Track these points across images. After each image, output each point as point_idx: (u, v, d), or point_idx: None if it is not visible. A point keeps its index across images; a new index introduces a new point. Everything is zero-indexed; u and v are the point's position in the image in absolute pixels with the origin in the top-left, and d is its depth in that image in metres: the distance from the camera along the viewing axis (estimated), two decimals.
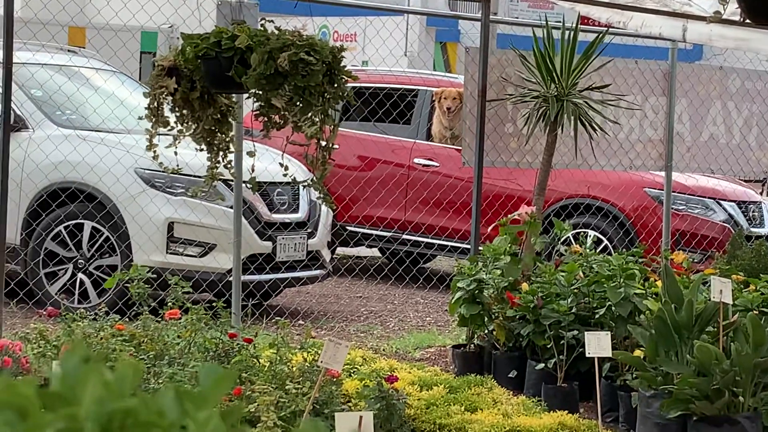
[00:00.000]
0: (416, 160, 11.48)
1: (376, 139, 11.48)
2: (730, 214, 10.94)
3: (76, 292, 9.05)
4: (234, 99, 6.68)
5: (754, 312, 6.62)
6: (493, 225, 8.32)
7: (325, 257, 9.90)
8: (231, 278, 7.94)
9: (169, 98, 6.36)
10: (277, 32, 6.18)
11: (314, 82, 6.13)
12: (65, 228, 9.08)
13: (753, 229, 10.90)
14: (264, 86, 6.16)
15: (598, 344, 6.24)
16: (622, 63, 9.26)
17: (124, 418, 1.14)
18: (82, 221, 9.06)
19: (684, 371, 6.18)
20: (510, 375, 7.30)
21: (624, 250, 8.70)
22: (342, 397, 6.07)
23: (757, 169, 10.21)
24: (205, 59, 6.21)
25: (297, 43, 6.14)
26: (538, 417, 6.29)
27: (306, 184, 6.64)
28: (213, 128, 6.46)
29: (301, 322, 9.25)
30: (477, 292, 7.45)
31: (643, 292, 7.06)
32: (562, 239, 9.26)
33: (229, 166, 6.71)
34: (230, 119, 6.52)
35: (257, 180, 7.87)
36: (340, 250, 11.98)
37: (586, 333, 6.47)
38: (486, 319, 7.50)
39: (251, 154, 6.59)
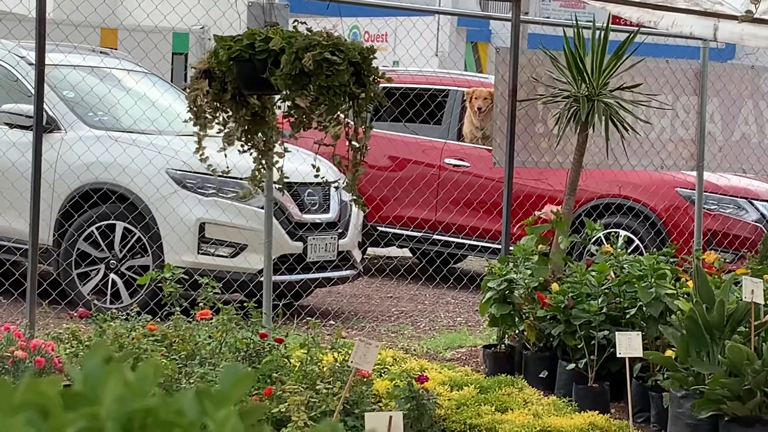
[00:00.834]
0: (447, 161, 11.48)
1: (407, 140, 11.49)
2: (762, 214, 10.88)
3: (108, 292, 9.10)
4: (272, 100, 6.69)
5: None
6: (519, 224, 8.31)
7: (356, 257, 9.91)
8: (262, 278, 7.96)
9: (205, 100, 6.39)
10: (307, 32, 6.20)
11: (339, 81, 6.14)
12: (97, 229, 9.13)
13: None
14: (290, 86, 6.18)
15: (629, 344, 6.22)
16: (653, 62, 9.22)
17: (144, 418, 1.15)
18: (114, 222, 9.11)
19: (715, 371, 6.16)
20: (541, 375, 7.29)
21: (655, 250, 8.66)
22: (372, 397, 6.08)
23: None
24: (238, 61, 6.23)
25: (322, 43, 6.15)
26: (569, 417, 6.28)
27: (338, 185, 6.66)
28: (250, 129, 6.48)
29: (331, 322, 9.26)
30: (508, 292, 7.45)
31: (675, 292, 7.03)
32: (593, 239, 9.23)
33: (268, 167, 6.73)
34: (267, 120, 6.54)
35: (288, 181, 7.90)
36: (371, 251, 11.99)
37: (617, 333, 6.45)
38: (517, 319, 7.49)
39: (281, 155, 6.60)
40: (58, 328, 6.80)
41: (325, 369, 6.01)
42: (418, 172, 11.36)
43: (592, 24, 8.13)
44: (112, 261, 9.12)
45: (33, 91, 7.20)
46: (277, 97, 6.70)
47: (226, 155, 6.46)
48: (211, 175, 7.40)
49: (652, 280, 7.05)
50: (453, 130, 11.65)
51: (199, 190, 9.08)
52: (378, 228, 11.44)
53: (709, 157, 9.62)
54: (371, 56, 6.40)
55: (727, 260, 9.84)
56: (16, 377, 5.94)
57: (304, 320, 8.41)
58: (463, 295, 10.76)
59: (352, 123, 6.41)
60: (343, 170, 6.75)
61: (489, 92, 10.90)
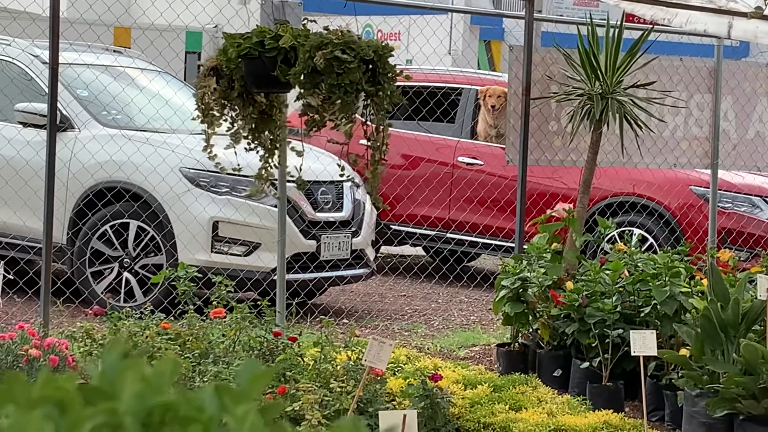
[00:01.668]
0: (460, 159, 11.46)
1: (421, 138, 11.48)
2: None
3: (122, 291, 9.11)
4: (280, 98, 6.69)
5: None
6: (532, 222, 8.30)
7: (369, 256, 9.91)
8: (275, 277, 7.96)
9: (213, 97, 6.39)
10: (324, 31, 6.19)
11: (350, 79, 6.12)
12: (111, 227, 9.14)
13: None
14: (303, 85, 6.18)
15: (643, 343, 6.21)
16: (667, 60, 9.20)
17: (163, 413, 1.14)
18: (127, 220, 9.11)
19: (730, 370, 6.14)
20: (555, 374, 7.27)
21: (669, 248, 8.64)
22: (386, 396, 6.07)
23: None
24: (247, 59, 6.23)
25: (334, 42, 6.14)
26: (583, 416, 6.27)
27: (356, 183, 6.64)
28: (258, 127, 6.48)
29: (345, 320, 9.26)
30: (521, 290, 7.43)
31: (689, 290, 7.02)
32: (607, 237, 9.21)
33: (277, 165, 6.73)
34: (275, 118, 6.53)
35: (305, 179, 7.89)
36: (384, 249, 11.98)
37: (631, 332, 6.44)
38: (530, 317, 7.48)
39: (299, 153, 6.59)
40: (72, 327, 6.80)
41: (338, 367, 6.01)
42: (432, 170, 11.35)
43: (606, 22, 8.11)
44: (125, 259, 9.13)
45: (47, 89, 7.20)
46: (288, 95, 6.70)
47: (236, 153, 6.45)
48: (225, 173, 7.40)
49: (667, 278, 7.03)
50: (466, 129, 11.63)
51: (213, 189, 9.08)
52: (391, 226, 11.44)
53: (723, 155, 9.59)
54: (387, 54, 6.38)
55: (742, 258, 9.81)
56: (31, 375, 5.94)
57: (318, 319, 8.41)
58: (476, 293, 10.74)
59: (369, 121, 6.39)
60: (360, 169, 6.74)
61: (503, 90, 10.88)
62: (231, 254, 9.04)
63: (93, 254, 9.16)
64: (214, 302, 6.74)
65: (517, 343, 7.69)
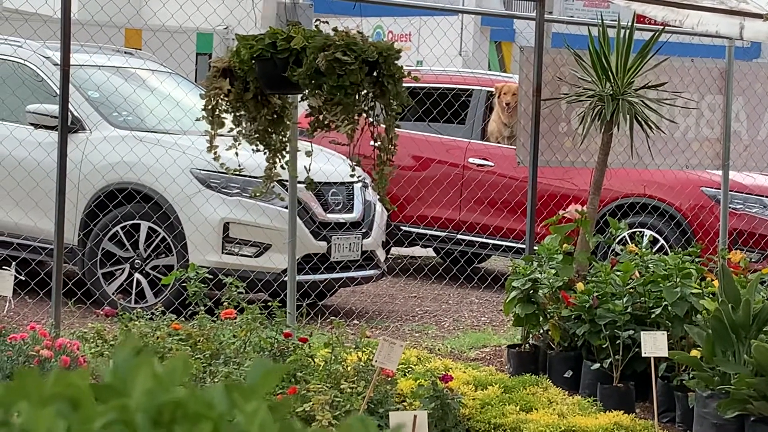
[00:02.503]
0: (471, 160, 11.46)
1: (431, 139, 11.47)
2: None
3: (133, 292, 9.12)
4: (289, 100, 6.70)
5: None
6: (543, 224, 8.29)
7: (380, 257, 9.91)
8: (286, 278, 7.97)
9: (225, 99, 6.39)
10: (333, 33, 6.20)
11: (350, 81, 6.12)
12: (122, 228, 9.15)
13: None
14: (308, 86, 6.19)
15: (654, 344, 6.20)
16: (678, 61, 9.19)
17: (173, 410, 1.15)
18: (138, 221, 9.13)
19: (741, 371, 6.13)
20: (565, 375, 7.27)
21: (680, 249, 8.63)
22: (396, 397, 6.07)
23: None
24: (259, 60, 6.24)
25: (336, 43, 6.15)
26: (594, 417, 6.26)
27: (366, 184, 6.64)
28: (268, 129, 6.49)
29: (355, 321, 9.26)
30: (532, 291, 7.43)
31: (700, 291, 7.01)
32: (618, 239, 9.20)
33: (286, 166, 6.73)
34: (285, 120, 6.54)
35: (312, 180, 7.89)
36: (395, 250, 11.98)
37: (642, 333, 6.43)
38: (541, 318, 7.48)
39: (309, 153, 6.60)
40: (83, 328, 6.82)
41: (349, 368, 6.01)
42: (442, 171, 11.35)
43: (617, 23, 8.10)
44: (136, 260, 9.14)
45: (58, 91, 7.22)
46: (296, 97, 6.71)
47: (237, 154, 6.45)
48: (235, 174, 7.41)
49: (678, 279, 7.02)
50: (477, 130, 11.63)
51: (224, 190, 9.10)
52: (402, 227, 11.44)
53: (735, 156, 9.58)
54: (393, 55, 6.37)
55: (753, 260, 9.80)
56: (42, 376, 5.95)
57: (328, 320, 8.41)
58: (487, 294, 10.74)
59: (376, 122, 6.39)
60: (367, 170, 6.74)
61: (518, 88, 10.85)
62: (242, 255, 9.05)
63: (104, 255, 9.18)
64: (225, 303, 6.75)
65: (527, 344, 7.69)
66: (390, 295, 10.76)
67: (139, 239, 9.14)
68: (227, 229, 9.03)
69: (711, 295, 6.94)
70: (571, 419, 6.16)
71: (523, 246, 8.87)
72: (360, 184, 9.71)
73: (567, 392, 6.81)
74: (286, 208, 8.08)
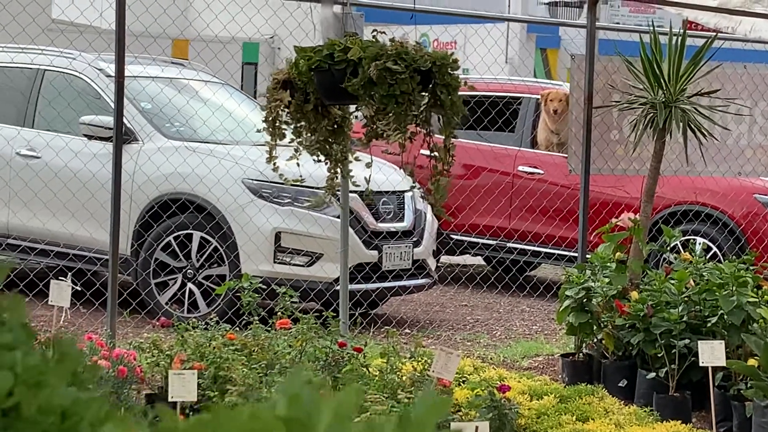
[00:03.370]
0: (521, 168, 11.44)
1: (481, 148, 11.47)
2: None
3: (186, 301, 9.17)
4: (348, 110, 6.72)
5: None
6: (596, 232, 8.26)
7: (431, 266, 9.91)
8: (338, 287, 7.99)
9: (285, 111, 6.43)
10: (388, 43, 6.22)
11: (400, 90, 6.14)
12: (175, 238, 9.21)
13: None
14: (363, 96, 6.21)
15: (712, 353, 6.17)
16: (730, 68, 9.14)
17: None
18: (191, 232, 9.18)
19: None
20: (620, 384, 7.23)
21: (734, 257, 8.57)
22: (452, 407, 6.07)
23: None
24: (318, 71, 6.26)
25: (387, 53, 6.17)
26: (651, 427, 6.23)
27: (413, 193, 6.64)
28: (329, 139, 6.52)
29: (407, 330, 9.27)
30: (585, 300, 7.41)
31: (757, 300, 6.96)
32: (671, 247, 9.15)
33: (347, 176, 6.76)
34: (345, 130, 6.57)
35: (362, 190, 7.91)
36: (445, 259, 11.98)
37: (699, 342, 6.39)
38: (595, 327, 7.45)
39: (369, 165, 6.62)
40: (138, 338, 6.86)
41: (404, 378, 6.02)
42: (493, 180, 11.34)
43: (668, 30, 8.06)
44: (189, 270, 9.19)
45: (112, 103, 7.28)
46: (352, 107, 6.73)
47: (298, 164, 6.49)
48: (287, 184, 7.44)
49: (734, 288, 6.97)
50: (526, 138, 11.61)
51: (275, 200, 9.13)
52: (453, 236, 11.43)
53: None
54: (448, 64, 6.38)
55: None
56: (100, 386, 6.00)
57: (381, 329, 8.42)
58: (538, 303, 10.71)
59: (429, 132, 6.40)
60: (423, 180, 6.74)
61: (564, 94, 10.83)
62: (293, 265, 9.08)
63: (157, 265, 9.23)
64: (279, 313, 6.77)
65: (581, 353, 7.66)
66: (441, 304, 10.76)
67: (191, 249, 9.20)
68: (279, 238, 9.07)
69: (767, 304, 6.90)
70: (628, 429, 6.13)
71: (574, 254, 8.85)
72: (411, 193, 9.72)
73: (622, 402, 6.78)
74: (338, 217, 8.10)
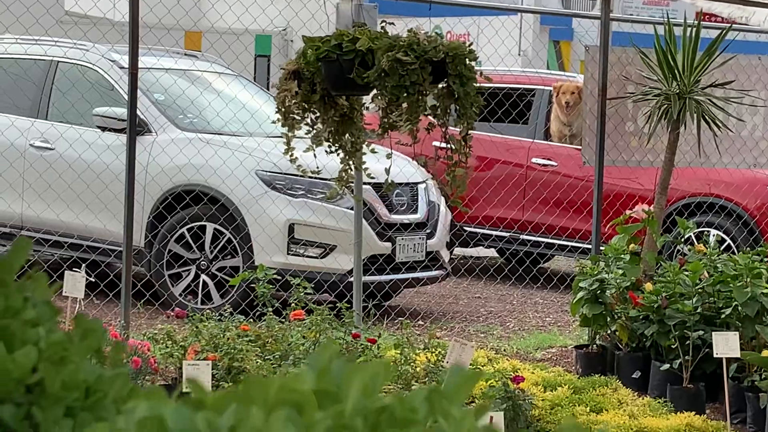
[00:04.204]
0: (534, 160, 11.43)
1: (494, 140, 11.45)
2: None
3: (200, 293, 9.19)
4: (359, 101, 6.71)
5: None
6: (610, 224, 8.25)
7: (444, 258, 9.91)
8: (351, 279, 7.99)
9: (293, 101, 6.43)
10: (405, 34, 6.22)
11: (411, 81, 6.13)
12: (189, 230, 9.22)
13: None
14: (376, 87, 6.21)
15: (726, 344, 6.16)
16: (745, 59, 9.11)
17: (379, 415, 1.18)
18: (204, 223, 9.19)
19: None
20: (633, 376, 7.23)
21: (748, 249, 8.55)
22: (467, 398, 6.07)
23: None
24: (326, 61, 6.26)
25: (399, 44, 6.16)
26: (665, 418, 6.23)
27: (426, 185, 6.64)
28: (338, 130, 6.51)
29: (420, 322, 9.27)
30: (599, 292, 7.40)
31: None
32: (685, 238, 9.14)
33: (360, 168, 6.75)
34: (355, 121, 6.56)
35: (375, 181, 7.91)
36: (459, 251, 11.98)
37: (713, 333, 6.38)
38: (608, 319, 7.44)
39: (389, 156, 6.61)
40: (152, 329, 6.88)
41: (419, 369, 6.02)
42: (506, 172, 11.33)
43: (683, 21, 8.04)
44: (203, 262, 9.20)
45: (125, 95, 7.28)
46: (363, 98, 6.73)
47: (315, 156, 6.49)
48: (300, 176, 7.44)
49: (748, 279, 6.96)
50: (540, 130, 11.59)
51: (289, 192, 9.13)
52: (466, 228, 11.43)
53: None
54: (462, 55, 6.36)
55: None
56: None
57: (395, 321, 8.42)
58: (551, 295, 10.71)
59: (443, 123, 6.39)
60: (438, 171, 6.74)
61: (576, 86, 10.82)
62: (307, 256, 9.08)
63: (171, 257, 9.25)
64: (293, 304, 6.78)
65: (594, 345, 7.65)
66: (454, 295, 10.75)
67: (205, 241, 9.21)
68: (293, 230, 9.07)
69: None
70: (642, 420, 6.12)
71: (587, 246, 8.84)
72: (424, 185, 9.72)
73: (636, 393, 6.77)
74: (352, 209, 8.10)
